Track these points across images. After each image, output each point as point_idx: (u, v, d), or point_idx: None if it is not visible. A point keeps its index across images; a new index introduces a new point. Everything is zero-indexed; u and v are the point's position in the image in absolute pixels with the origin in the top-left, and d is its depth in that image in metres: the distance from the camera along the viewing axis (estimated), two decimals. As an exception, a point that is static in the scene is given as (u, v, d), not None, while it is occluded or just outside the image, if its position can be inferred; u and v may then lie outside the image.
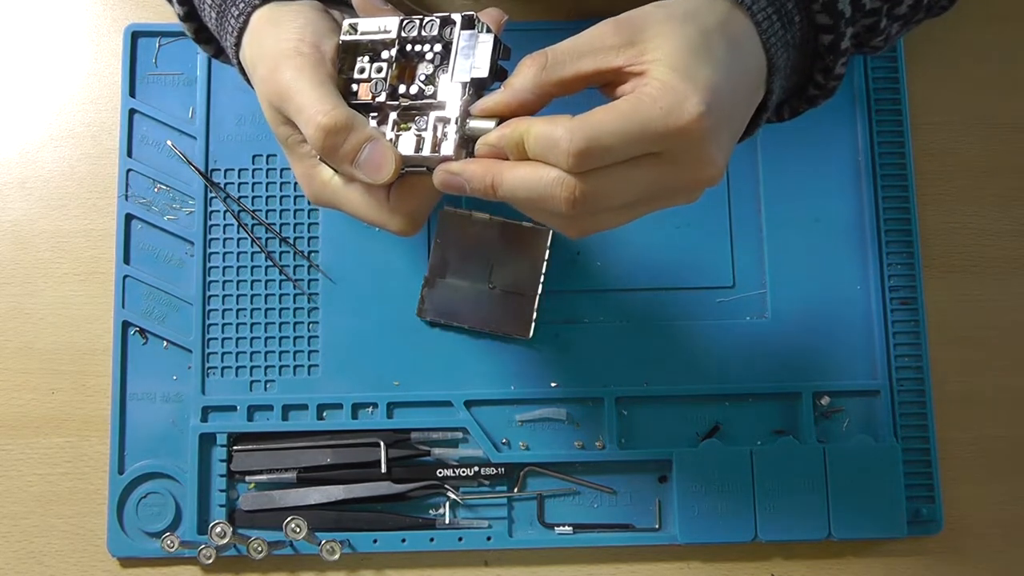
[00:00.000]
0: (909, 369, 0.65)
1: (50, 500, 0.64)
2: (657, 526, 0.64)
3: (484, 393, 0.64)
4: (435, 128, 0.44)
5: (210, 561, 0.61)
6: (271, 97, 0.46)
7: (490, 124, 0.43)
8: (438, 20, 0.44)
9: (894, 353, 0.65)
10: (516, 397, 0.65)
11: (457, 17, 0.44)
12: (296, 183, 0.66)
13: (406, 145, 0.44)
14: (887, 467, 0.63)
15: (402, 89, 0.45)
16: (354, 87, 0.45)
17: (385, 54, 0.45)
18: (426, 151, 0.43)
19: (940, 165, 0.69)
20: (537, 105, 0.43)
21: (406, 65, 0.45)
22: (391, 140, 0.44)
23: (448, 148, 0.43)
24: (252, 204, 0.66)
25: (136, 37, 0.68)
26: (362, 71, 0.46)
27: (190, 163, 0.67)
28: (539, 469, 0.64)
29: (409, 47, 0.45)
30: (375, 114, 0.45)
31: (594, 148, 0.40)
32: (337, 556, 0.61)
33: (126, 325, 0.65)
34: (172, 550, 0.61)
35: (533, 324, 0.65)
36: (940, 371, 0.66)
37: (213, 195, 0.66)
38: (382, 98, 0.45)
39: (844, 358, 0.65)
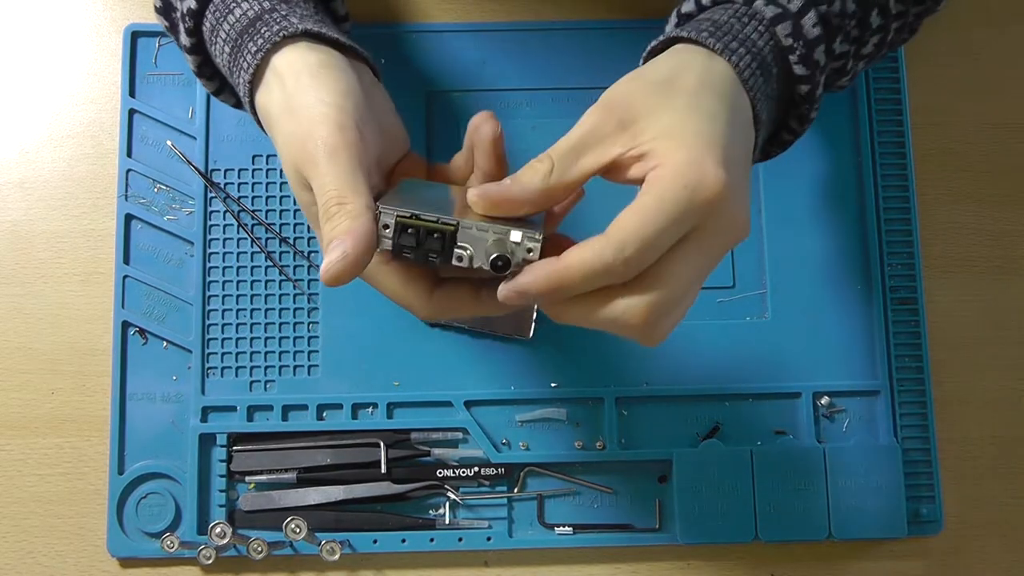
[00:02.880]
0: (909, 369, 0.65)
1: (50, 500, 0.64)
2: (657, 526, 0.64)
3: (484, 393, 0.64)
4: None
5: (210, 561, 0.61)
6: (297, 161, 0.44)
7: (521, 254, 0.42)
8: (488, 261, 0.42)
9: (894, 353, 0.65)
10: (516, 397, 0.65)
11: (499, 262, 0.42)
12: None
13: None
14: (887, 467, 0.63)
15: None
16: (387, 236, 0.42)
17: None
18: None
19: (940, 165, 0.69)
20: (543, 207, 0.43)
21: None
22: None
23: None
24: (252, 204, 0.66)
25: (136, 37, 0.68)
26: (386, 228, 0.42)
27: (190, 163, 0.66)
28: (539, 469, 0.64)
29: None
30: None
31: (646, 252, 0.40)
32: (337, 556, 0.61)
33: (126, 325, 0.65)
34: (172, 550, 0.61)
35: (533, 324, 0.65)
36: (940, 371, 0.66)
37: (213, 195, 0.66)
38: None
39: (844, 358, 0.65)
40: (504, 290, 0.42)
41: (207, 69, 0.52)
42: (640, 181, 0.42)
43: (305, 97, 0.44)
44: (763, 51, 0.46)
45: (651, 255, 0.40)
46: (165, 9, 0.52)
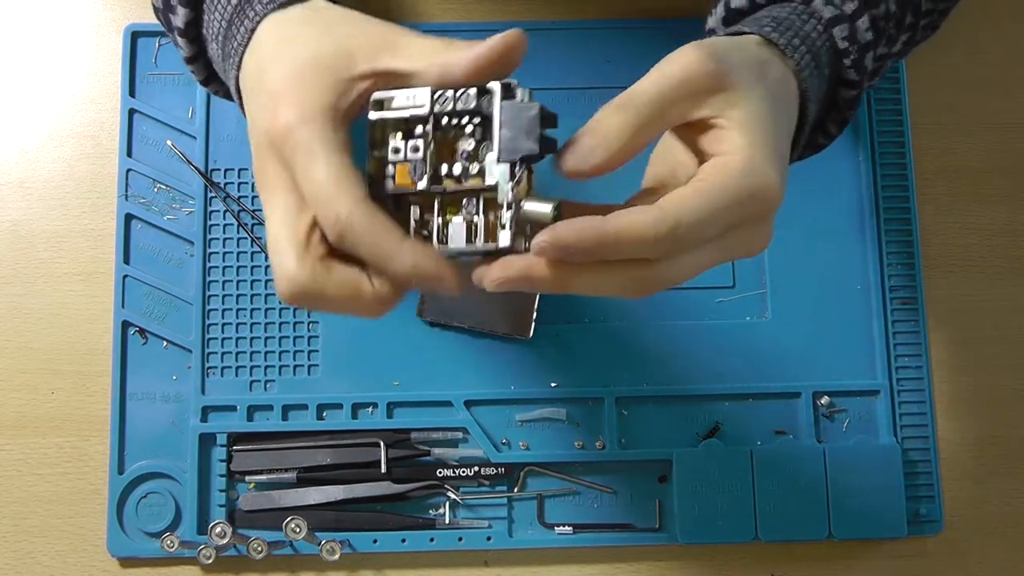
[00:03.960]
0: (909, 369, 0.65)
1: (50, 500, 0.64)
2: (657, 526, 0.64)
3: (484, 393, 0.64)
4: (486, 213, 0.40)
5: (210, 561, 0.61)
6: (272, 133, 0.39)
7: (547, 208, 0.39)
8: (474, 90, 0.40)
9: (894, 353, 0.65)
10: (516, 397, 0.65)
11: (495, 86, 0.39)
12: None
13: (457, 234, 0.39)
14: (887, 467, 0.63)
15: (444, 169, 0.40)
16: (390, 169, 0.40)
17: (419, 130, 0.40)
18: (479, 242, 0.39)
19: (940, 165, 0.69)
20: (624, 160, 0.40)
21: (444, 140, 0.40)
22: (438, 226, 0.40)
23: (505, 239, 0.39)
24: (252, 204, 0.66)
25: (136, 37, 0.68)
26: (397, 151, 0.40)
27: (190, 163, 0.66)
28: (539, 469, 0.64)
29: (445, 120, 0.40)
30: (417, 198, 0.40)
31: (694, 232, 0.38)
32: (337, 556, 0.61)
33: (126, 325, 0.65)
34: (172, 550, 0.61)
35: (533, 324, 0.65)
36: (940, 371, 0.66)
37: (213, 195, 0.66)
38: (423, 184, 0.40)
39: (844, 358, 0.65)
40: (543, 236, 0.38)
41: (199, 55, 0.49)
42: (699, 150, 0.40)
43: (275, 61, 0.41)
44: (819, 51, 0.45)
45: (697, 241, 0.39)
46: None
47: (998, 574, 0.65)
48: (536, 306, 0.65)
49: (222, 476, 0.63)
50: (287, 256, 0.39)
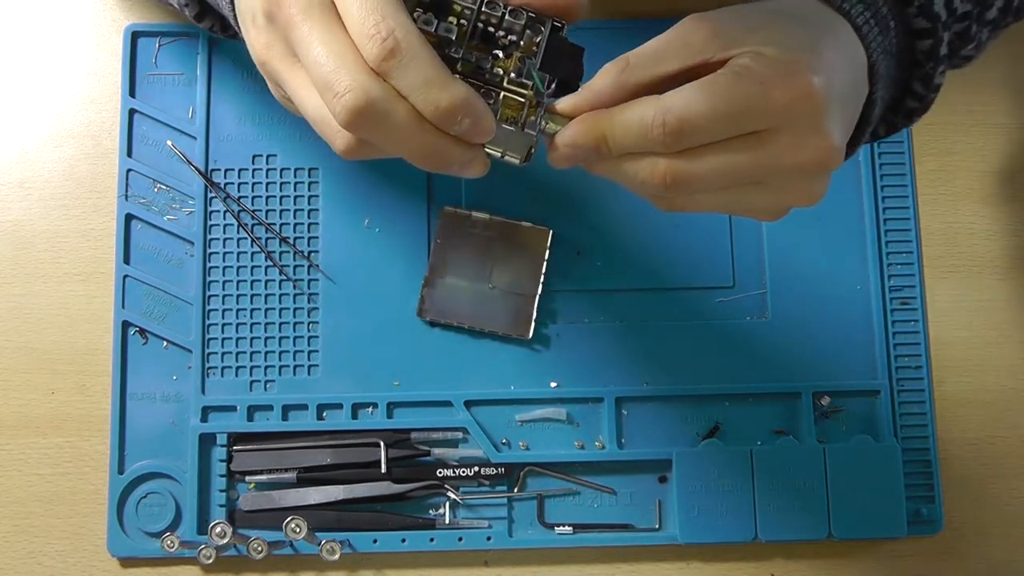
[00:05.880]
0: (909, 369, 0.65)
1: (50, 500, 0.64)
2: (657, 526, 0.64)
3: (484, 393, 0.64)
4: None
5: (210, 561, 0.61)
6: None
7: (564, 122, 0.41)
8: (526, 14, 0.41)
9: (894, 353, 0.65)
10: (516, 397, 0.65)
11: (548, 21, 0.41)
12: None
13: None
14: (887, 467, 0.63)
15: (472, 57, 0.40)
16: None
17: (452, 19, 0.40)
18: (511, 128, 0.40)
19: (940, 165, 0.69)
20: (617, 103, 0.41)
21: (476, 44, 0.41)
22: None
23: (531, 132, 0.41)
24: (252, 204, 0.66)
25: (136, 37, 0.68)
26: (428, 24, 0.39)
27: (190, 163, 0.66)
28: (539, 469, 0.64)
29: (481, 24, 0.40)
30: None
31: (688, 128, 0.37)
32: (337, 556, 0.61)
33: (126, 325, 0.65)
34: (172, 550, 0.61)
35: (533, 324, 0.65)
36: (940, 371, 0.66)
37: (213, 195, 0.66)
38: (459, 58, 0.40)
39: (844, 358, 0.65)
40: (556, 148, 0.40)
41: None
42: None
43: None
44: (877, 3, 0.44)
45: (696, 134, 0.38)
46: None
47: (998, 574, 0.65)
48: (536, 306, 0.65)
49: (222, 476, 0.63)
50: (351, 70, 0.37)
